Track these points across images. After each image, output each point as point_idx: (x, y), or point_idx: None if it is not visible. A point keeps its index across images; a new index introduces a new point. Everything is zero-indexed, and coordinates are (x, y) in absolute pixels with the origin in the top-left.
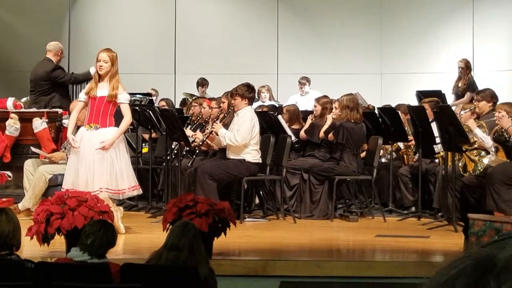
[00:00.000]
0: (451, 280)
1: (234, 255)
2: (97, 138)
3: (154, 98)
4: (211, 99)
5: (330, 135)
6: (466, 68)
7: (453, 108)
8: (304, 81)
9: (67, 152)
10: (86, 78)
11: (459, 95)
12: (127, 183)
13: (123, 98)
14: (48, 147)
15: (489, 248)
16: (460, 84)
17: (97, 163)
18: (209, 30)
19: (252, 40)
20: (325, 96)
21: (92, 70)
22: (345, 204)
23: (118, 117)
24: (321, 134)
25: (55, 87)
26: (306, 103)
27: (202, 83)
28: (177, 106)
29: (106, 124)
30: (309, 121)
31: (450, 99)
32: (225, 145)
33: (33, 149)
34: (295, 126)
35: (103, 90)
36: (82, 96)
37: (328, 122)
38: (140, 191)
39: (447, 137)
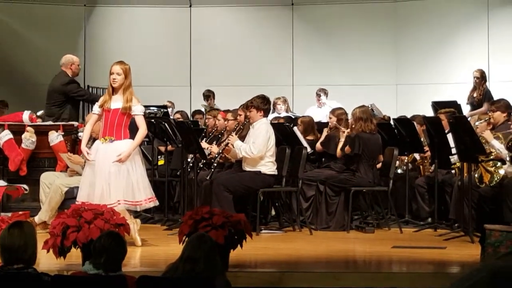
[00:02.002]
0: None
1: (250, 267)
2: (112, 151)
3: (170, 110)
4: (226, 111)
5: (347, 148)
6: (481, 78)
7: (469, 118)
8: (321, 92)
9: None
10: (96, 99)
11: (474, 105)
12: (144, 194)
13: (138, 110)
14: (63, 161)
15: (504, 260)
16: (475, 95)
17: (113, 175)
18: (224, 42)
19: (267, 52)
20: (340, 108)
21: None
22: (361, 216)
23: (132, 129)
24: (338, 152)
25: (69, 100)
26: (323, 114)
27: (207, 95)
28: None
29: (121, 136)
30: (324, 133)
31: (465, 109)
32: (241, 157)
33: (63, 155)
34: (310, 137)
35: (117, 102)
36: (96, 109)
37: (342, 139)
38: (157, 203)
39: (463, 148)
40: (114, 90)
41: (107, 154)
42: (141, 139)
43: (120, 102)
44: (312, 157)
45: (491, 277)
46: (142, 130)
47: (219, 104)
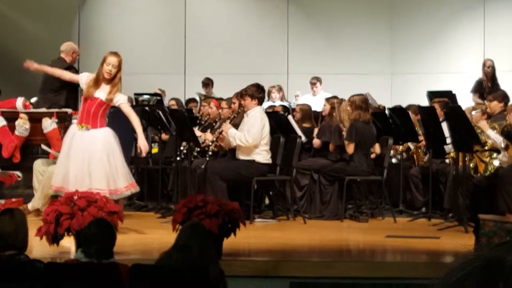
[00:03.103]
0: (459, 281)
1: (244, 255)
2: (89, 139)
3: (165, 97)
4: (218, 99)
5: (351, 149)
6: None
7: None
8: (315, 81)
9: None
10: None
11: None
12: (123, 181)
13: (121, 99)
14: (57, 147)
15: (498, 250)
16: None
17: (92, 162)
18: (219, 30)
19: (262, 40)
20: (335, 97)
21: None
22: (355, 205)
23: (117, 119)
24: (331, 147)
25: (65, 86)
26: (317, 103)
27: (206, 83)
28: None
29: (97, 125)
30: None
31: (463, 99)
32: (235, 145)
33: (43, 146)
34: (306, 125)
35: (101, 92)
36: (82, 81)
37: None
38: (137, 189)
39: (458, 138)
40: (104, 80)
41: (83, 141)
42: (140, 124)
43: (103, 92)
44: (306, 146)
45: (484, 268)
46: (134, 116)
47: (214, 92)
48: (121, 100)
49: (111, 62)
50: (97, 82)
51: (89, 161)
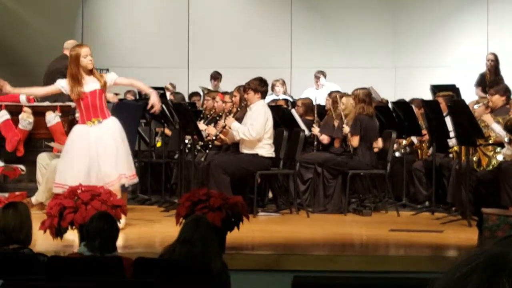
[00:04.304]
0: (463, 277)
1: (247, 249)
2: (104, 129)
3: (169, 93)
4: (224, 93)
5: (356, 142)
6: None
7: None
8: (319, 74)
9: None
10: None
11: None
12: (132, 169)
13: (113, 76)
14: (61, 141)
15: (502, 245)
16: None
17: (114, 151)
18: (222, 23)
19: (266, 33)
20: (337, 91)
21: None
22: (358, 199)
23: (120, 112)
24: (336, 144)
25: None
26: (321, 96)
27: (215, 76)
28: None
29: (105, 115)
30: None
31: (466, 93)
32: (238, 139)
33: (52, 144)
34: (309, 117)
35: (90, 84)
36: (62, 83)
37: (335, 122)
38: (137, 179)
39: (461, 132)
40: (87, 72)
41: (101, 133)
42: (143, 84)
43: (93, 82)
44: (309, 139)
45: (488, 263)
46: (135, 80)
47: (221, 86)
48: (114, 76)
49: (88, 52)
50: (78, 80)
51: (110, 151)
